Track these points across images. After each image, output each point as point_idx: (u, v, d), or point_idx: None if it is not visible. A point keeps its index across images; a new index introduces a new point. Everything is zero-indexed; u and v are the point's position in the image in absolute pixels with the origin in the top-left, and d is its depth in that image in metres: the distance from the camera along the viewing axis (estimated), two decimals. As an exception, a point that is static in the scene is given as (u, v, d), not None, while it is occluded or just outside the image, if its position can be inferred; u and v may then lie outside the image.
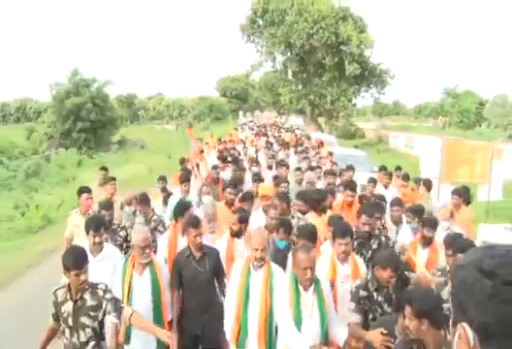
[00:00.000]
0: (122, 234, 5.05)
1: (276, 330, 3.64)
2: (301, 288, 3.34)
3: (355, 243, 4.47)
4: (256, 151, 12.96)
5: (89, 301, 3.16)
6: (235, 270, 3.83)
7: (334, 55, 33.80)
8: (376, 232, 4.77)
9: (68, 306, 3.17)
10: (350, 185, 6.12)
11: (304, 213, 5.33)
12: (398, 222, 5.58)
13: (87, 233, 4.09)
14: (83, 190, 5.86)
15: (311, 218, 5.24)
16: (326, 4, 33.42)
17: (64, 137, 30.80)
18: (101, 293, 3.18)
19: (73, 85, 30.35)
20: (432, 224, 4.82)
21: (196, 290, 4.03)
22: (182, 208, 4.80)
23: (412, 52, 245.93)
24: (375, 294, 3.50)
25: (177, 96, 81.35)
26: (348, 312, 3.54)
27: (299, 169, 8.06)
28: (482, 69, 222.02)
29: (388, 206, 5.84)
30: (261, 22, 35.94)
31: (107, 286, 3.25)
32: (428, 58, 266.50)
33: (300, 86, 37.82)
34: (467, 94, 43.13)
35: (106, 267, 3.97)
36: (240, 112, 58.32)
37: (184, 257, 4.09)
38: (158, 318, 3.83)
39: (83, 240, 4.24)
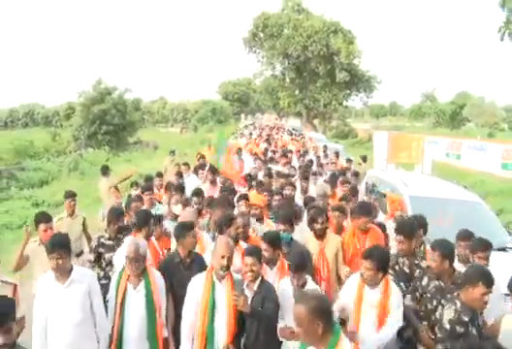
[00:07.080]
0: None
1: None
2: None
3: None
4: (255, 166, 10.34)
5: None
6: (195, 283, 3.61)
7: (326, 64, 37.85)
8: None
9: None
10: (365, 208, 4.79)
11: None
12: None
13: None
14: (41, 219, 4.77)
15: (311, 243, 4.60)
16: (318, 20, 37.67)
17: (90, 138, 35.05)
18: None
19: (97, 93, 34.69)
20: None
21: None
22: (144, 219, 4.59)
23: (398, 59, 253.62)
24: (471, 326, 2.85)
25: (180, 100, 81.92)
26: None
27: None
28: (461, 74, 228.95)
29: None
30: (261, 36, 40.01)
31: None
32: (412, 63, 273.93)
33: (296, 91, 41.78)
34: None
35: (76, 291, 3.56)
36: (242, 115, 60.81)
37: (174, 263, 4.00)
38: (152, 336, 3.69)
39: (39, 273, 4.01)
